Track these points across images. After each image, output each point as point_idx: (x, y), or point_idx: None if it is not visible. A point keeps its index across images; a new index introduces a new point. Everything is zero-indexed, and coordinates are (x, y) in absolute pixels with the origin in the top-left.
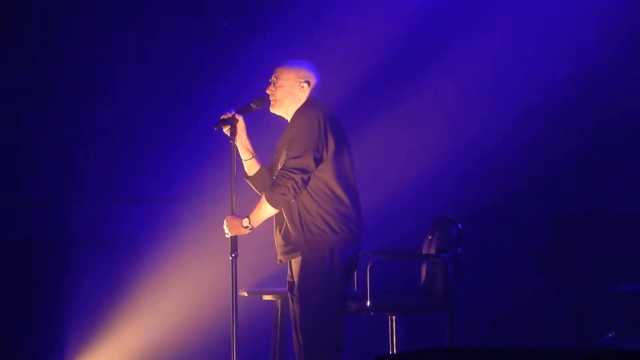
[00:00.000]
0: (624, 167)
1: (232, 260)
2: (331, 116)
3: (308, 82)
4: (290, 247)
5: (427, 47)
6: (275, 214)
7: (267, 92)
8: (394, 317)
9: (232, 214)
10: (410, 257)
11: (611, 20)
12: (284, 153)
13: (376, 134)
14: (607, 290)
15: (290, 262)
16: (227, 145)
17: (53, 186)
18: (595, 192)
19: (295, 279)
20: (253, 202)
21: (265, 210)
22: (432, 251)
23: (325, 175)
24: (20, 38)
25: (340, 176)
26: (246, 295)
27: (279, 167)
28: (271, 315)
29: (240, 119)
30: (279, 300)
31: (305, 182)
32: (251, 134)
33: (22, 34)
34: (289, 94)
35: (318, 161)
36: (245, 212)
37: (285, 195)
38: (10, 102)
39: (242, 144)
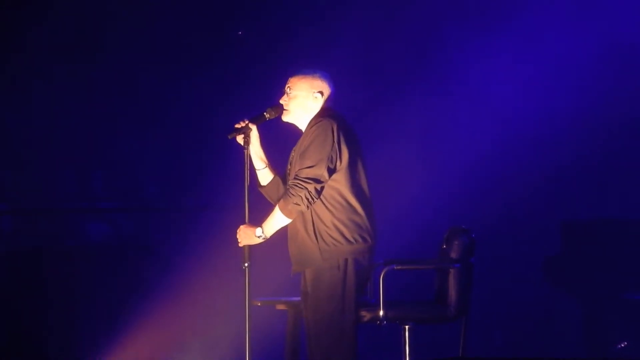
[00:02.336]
0: (635, 176)
1: (245, 269)
2: (345, 126)
3: (322, 93)
4: (304, 257)
5: (441, 57)
6: (290, 224)
7: (281, 102)
8: (407, 327)
9: (246, 223)
10: (423, 266)
11: (623, 28)
12: (298, 163)
13: (390, 143)
14: (620, 300)
15: (304, 272)
16: (240, 155)
17: (67, 195)
18: (607, 201)
19: (309, 288)
20: (267, 212)
21: (279, 220)
22: (446, 261)
23: (339, 185)
24: (39, 45)
25: (354, 186)
26: (259, 304)
27: (293, 176)
28: (284, 325)
29: (253, 128)
30: (293, 310)
31: (319, 192)
32: (265, 144)
33: (39, 42)
34: (303, 104)
35: (332, 171)
36: (259, 221)
37: (299, 205)
38: (21, 110)
39: (256, 153)
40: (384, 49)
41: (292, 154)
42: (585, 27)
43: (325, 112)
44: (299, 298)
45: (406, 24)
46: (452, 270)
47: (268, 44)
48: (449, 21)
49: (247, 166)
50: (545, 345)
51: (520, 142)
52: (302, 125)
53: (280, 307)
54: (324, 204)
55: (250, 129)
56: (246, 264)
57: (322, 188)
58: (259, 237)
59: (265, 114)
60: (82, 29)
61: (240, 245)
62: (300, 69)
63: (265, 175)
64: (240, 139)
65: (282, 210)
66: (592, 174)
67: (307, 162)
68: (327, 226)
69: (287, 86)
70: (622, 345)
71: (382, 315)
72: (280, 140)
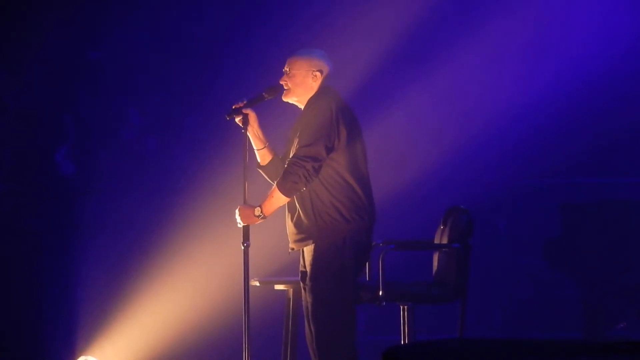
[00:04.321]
0: (635, 159)
1: (244, 249)
2: (344, 105)
3: (321, 71)
4: (303, 236)
5: (440, 38)
6: (288, 203)
7: (281, 82)
8: (405, 307)
9: (245, 203)
10: (422, 247)
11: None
12: (296, 141)
13: (389, 123)
14: (618, 281)
15: (302, 251)
16: (239, 135)
17: (64, 175)
18: (606, 183)
19: (308, 267)
20: (265, 191)
21: (277, 199)
22: (444, 241)
23: (337, 164)
24: (35, 27)
25: (352, 165)
26: (258, 284)
27: (291, 155)
28: (283, 304)
29: (251, 112)
30: (291, 289)
31: (317, 170)
32: (263, 124)
33: (37, 26)
34: (302, 83)
35: (329, 150)
36: (257, 201)
37: (297, 183)
38: (20, 92)
39: (254, 133)
40: (382, 26)
41: (291, 133)
42: (590, 17)
43: (324, 91)
44: (297, 277)
45: (408, 8)
46: (450, 251)
47: (266, 26)
48: (453, 5)
49: (245, 146)
50: (544, 326)
51: (519, 124)
52: (302, 103)
53: (279, 286)
54: (322, 182)
55: (249, 109)
56: (245, 244)
57: (320, 167)
58: (257, 216)
59: (263, 94)
60: (77, 15)
61: (239, 225)
62: (299, 50)
63: (264, 155)
64: (238, 119)
65: (280, 189)
66: (591, 156)
67: (305, 141)
68: (325, 205)
69: (286, 67)
70: (621, 326)
71: (382, 295)
72: (279, 120)
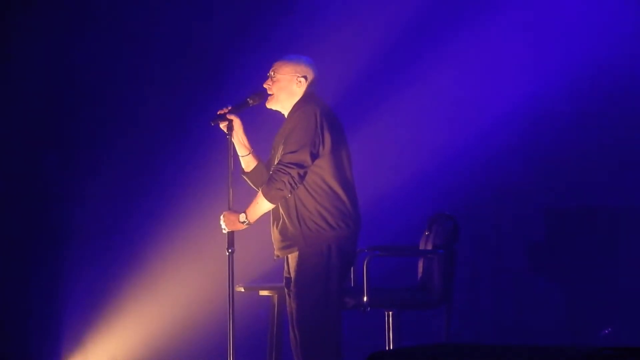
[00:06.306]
0: (620, 163)
1: (228, 255)
2: (328, 112)
3: (305, 77)
4: (288, 243)
5: (425, 43)
6: (273, 210)
7: (265, 86)
8: (390, 313)
9: (229, 209)
10: (407, 253)
11: (613, 20)
12: (281, 148)
13: (373, 130)
14: (604, 286)
15: (287, 258)
16: (224, 141)
17: (50, 181)
18: (591, 188)
19: (292, 274)
20: (250, 198)
21: (262, 206)
22: (429, 247)
23: (322, 170)
24: (19, 31)
25: (338, 172)
26: (243, 290)
27: (276, 162)
28: (268, 310)
29: (235, 118)
30: (276, 295)
31: (302, 177)
32: (248, 130)
33: (21, 28)
34: (286, 88)
35: (314, 156)
36: (242, 207)
37: (282, 190)
38: (8, 98)
39: (239, 140)
40: (366, 32)
41: (276, 139)
42: (578, 24)
43: (308, 98)
44: (282, 283)
45: (394, 8)
46: (435, 257)
47: (252, 31)
48: (440, 15)
49: (230, 153)
50: (529, 331)
51: (505, 129)
52: (286, 110)
53: (264, 293)
54: (307, 190)
55: (233, 115)
56: (229, 250)
57: (305, 173)
58: (242, 223)
59: (248, 100)
60: (64, 18)
61: (224, 231)
62: (285, 55)
63: (249, 162)
64: (223, 125)
65: (265, 195)
66: (577, 161)
67: (290, 148)
68: (310, 212)
69: (271, 71)
70: (607, 331)
71: (366, 301)
72: (264, 127)
